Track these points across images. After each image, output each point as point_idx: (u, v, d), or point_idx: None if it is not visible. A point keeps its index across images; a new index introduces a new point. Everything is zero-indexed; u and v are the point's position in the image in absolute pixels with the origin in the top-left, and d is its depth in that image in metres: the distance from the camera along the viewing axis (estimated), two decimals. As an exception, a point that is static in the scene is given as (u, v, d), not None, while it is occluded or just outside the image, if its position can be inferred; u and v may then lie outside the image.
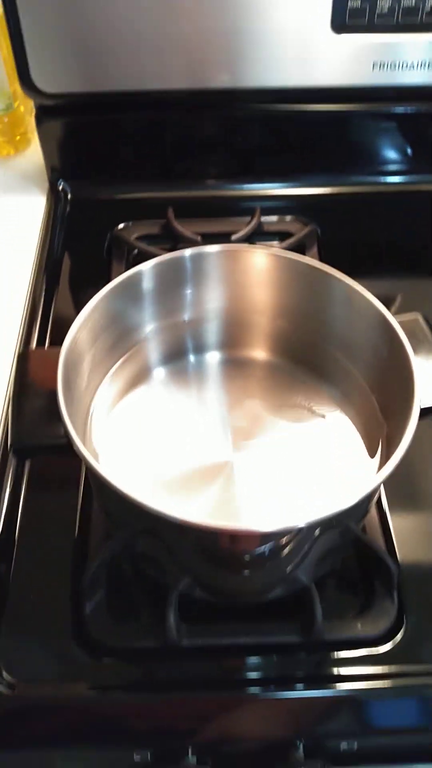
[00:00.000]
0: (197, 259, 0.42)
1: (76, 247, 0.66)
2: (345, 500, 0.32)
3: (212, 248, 0.42)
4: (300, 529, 0.32)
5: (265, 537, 0.33)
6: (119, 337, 0.43)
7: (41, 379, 0.37)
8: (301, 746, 0.41)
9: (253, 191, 0.69)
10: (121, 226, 0.66)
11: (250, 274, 0.43)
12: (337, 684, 0.40)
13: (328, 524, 0.34)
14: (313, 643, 0.41)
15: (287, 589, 0.41)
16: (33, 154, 0.75)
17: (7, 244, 0.66)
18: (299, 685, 0.40)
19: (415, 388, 0.34)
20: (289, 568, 0.39)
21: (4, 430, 0.48)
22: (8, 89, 0.72)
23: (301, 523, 0.31)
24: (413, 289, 0.61)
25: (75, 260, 0.65)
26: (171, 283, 0.43)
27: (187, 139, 0.68)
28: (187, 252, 0.42)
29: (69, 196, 0.70)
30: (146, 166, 0.70)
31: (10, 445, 0.36)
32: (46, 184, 0.71)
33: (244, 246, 0.42)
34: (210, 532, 0.32)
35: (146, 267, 0.41)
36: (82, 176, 0.70)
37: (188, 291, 0.43)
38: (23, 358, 0.38)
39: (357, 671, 0.41)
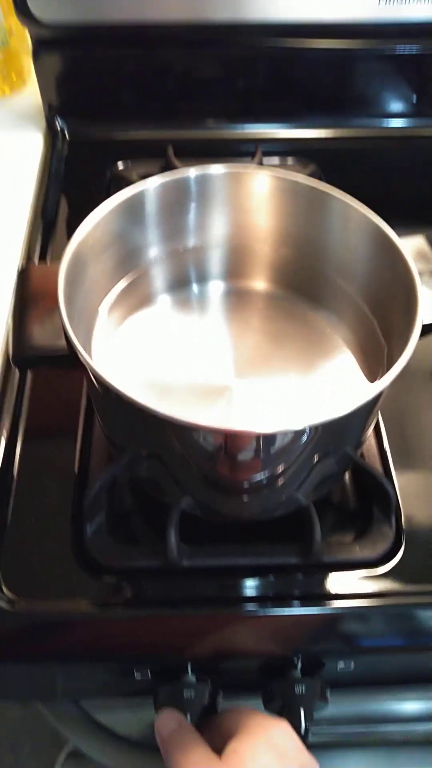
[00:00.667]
0: (201, 180, 0.41)
1: (75, 186, 0.65)
2: (345, 407, 0.32)
3: (217, 169, 0.41)
4: (299, 432, 0.32)
5: (265, 439, 0.33)
6: (122, 259, 0.42)
7: (42, 294, 0.37)
8: (299, 664, 0.42)
9: (254, 132, 0.68)
10: (120, 164, 0.65)
11: (253, 198, 0.42)
12: (334, 602, 0.41)
13: (328, 434, 0.35)
14: (312, 565, 0.42)
15: (287, 508, 0.41)
16: (29, 94, 0.74)
17: (3, 184, 0.65)
18: (296, 603, 0.41)
19: (417, 298, 0.34)
20: (287, 487, 0.39)
21: (6, 345, 0.48)
22: (3, 24, 0.71)
23: (301, 425, 0.31)
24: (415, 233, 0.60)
25: (73, 199, 0.64)
26: (175, 204, 0.42)
27: (188, 77, 0.67)
28: (192, 173, 0.41)
29: (67, 135, 0.69)
30: (146, 104, 0.69)
31: (12, 355, 0.35)
32: (44, 124, 0.70)
33: (249, 167, 0.42)
34: (212, 433, 0.32)
35: (150, 186, 0.40)
36: (81, 114, 0.69)
37: (192, 214, 0.43)
38: (24, 273, 0.38)
39: (354, 590, 0.41)
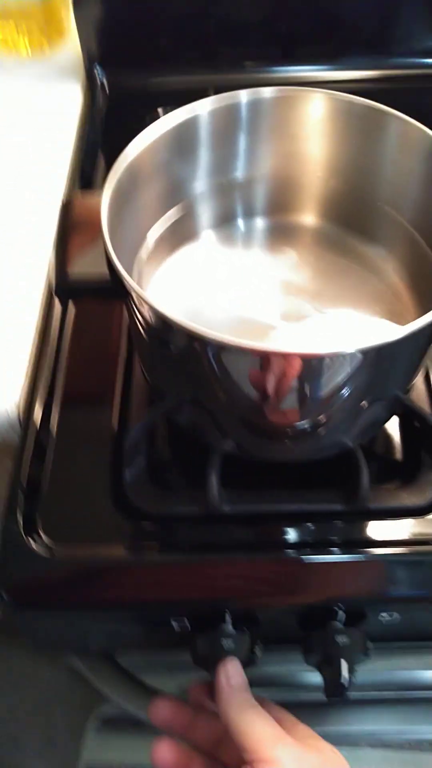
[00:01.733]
0: (253, 104, 0.40)
1: (115, 134, 0.64)
2: (397, 332, 0.30)
3: (269, 92, 0.40)
4: (350, 357, 0.31)
5: (314, 365, 0.31)
6: (167, 191, 0.41)
7: (86, 223, 0.36)
8: (341, 615, 0.41)
9: (296, 75, 0.66)
10: (160, 111, 0.63)
11: (305, 123, 0.40)
12: (380, 549, 0.39)
13: (378, 368, 0.33)
14: (357, 512, 0.40)
15: (332, 450, 0.40)
16: (69, 48, 0.73)
17: (44, 137, 0.64)
18: (340, 550, 0.39)
19: None
20: (334, 426, 0.38)
21: (49, 282, 0.47)
22: (42, -26, 0.69)
23: (352, 348, 0.29)
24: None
25: (113, 148, 0.63)
26: (224, 132, 0.40)
27: (228, 20, 0.65)
28: (244, 96, 0.39)
29: (106, 86, 0.68)
30: (185, 50, 0.67)
31: (55, 285, 0.34)
32: (83, 76, 0.69)
33: (302, 88, 0.39)
34: (259, 357, 0.31)
35: (201, 110, 0.39)
36: (120, 63, 0.67)
37: (241, 143, 0.41)
38: (67, 204, 0.37)
39: (400, 537, 0.39)
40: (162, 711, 0.40)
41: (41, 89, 0.69)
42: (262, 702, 0.38)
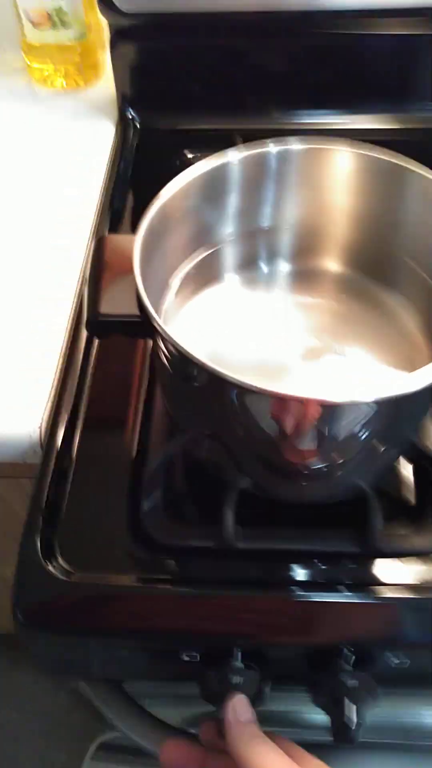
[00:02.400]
0: (281, 155, 0.41)
1: (144, 173, 0.66)
2: (415, 382, 0.31)
3: (297, 143, 0.41)
4: (367, 405, 0.32)
5: (332, 411, 0.32)
6: (194, 235, 0.42)
7: (118, 262, 0.37)
8: (350, 656, 0.41)
9: (321, 122, 0.68)
10: (187, 153, 0.66)
11: (331, 175, 0.42)
12: (390, 592, 0.40)
13: (394, 413, 0.34)
14: (369, 553, 0.41)
15: (347, 494, 0.40)
16: (103, 86, 0.76)
17: (77, 171, 0.67)
18: (350, 590, 0.40)
19: None
20: (349, 469, 0.38)
21: (76, 311, 0.49)
22: (83, 18, 0.72)
23: (370, 397, 0.30)
24: None
25: (142, 184, 0.65)
26: (253, 180, 0.42)
27: (257, 68, 0.67)
28: (273, 147, 0.41)
29: (138, 125, 0.70)
30: (214, 95, 0.69)
31: (87, 320, 0.36)
32: (116, 114, 0.72)
33: (328, 141, 0.41)
34: (279, 400, 0.32)
35: (232, 158, 0.40)
36: (152, 105, 0.70)
37: (269, 192, 0.43)
38: (100, 243, 0.38)
39: (410, 581, 0.40)
40: (174, 751, 0.40)
41: (75, 124, 0.71)
42: (271, 736, 0.38)
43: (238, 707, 0.38)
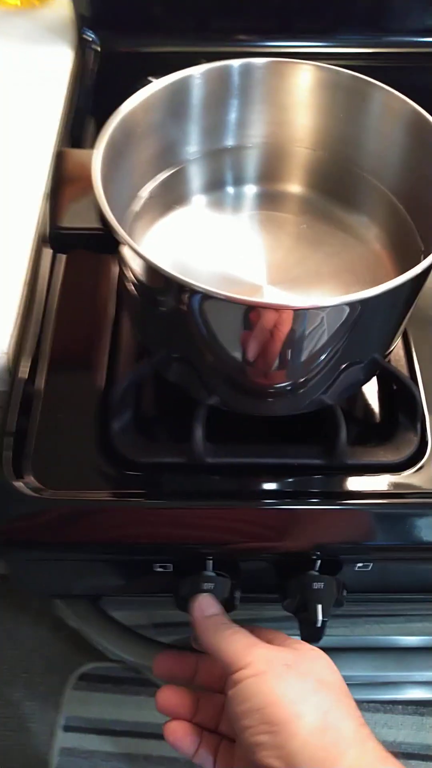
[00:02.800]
0: (244, 71, 0.41)
1: (106, 98, 0.64)
2: (377, 288, 0.32)
3: (259, 61, 0.41)
4: (332, 308, 0.32)
5: (297, 317, 0.33)
6: (159, 153, 0.42)
7: (79, 176, 0.37)
8: (318, 563, 0.43)
9: (288, 49, 0.66)
10: (152, 79, 0.64)
11: (294, 92, 0.42)
12: (355, 500, 0.41)
13: (359, 326, 0.35)
14: (335, 466, 0.42)
15: (313, 406, 0.41)
16: (60, 6, 0.72)
17: (33, 98, 0.64)
18: (317, 500, 0.41)
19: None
20: (315, 384, 0.39)
21: (39, 235, 0.48)
22: None
23: (334, 301, 0.31)
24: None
25: (103, 111, 0.63)
26: (216, 97, 0.41)
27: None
28: (236, 62, 0.40)
29: (98, 48, 0.67)
30: (179, 18, 0.66)
31: (48, 234, 0.35)
32: (74, 36, 0.69)
33: (291, 60, 0.41)
34: (244, 307, 0.32)
35: (194, 72, 0.40)
36: (112, 27, 0.67)
37: (232, 110, 0.42)
38: (60, 156, 0.38)
39: (376, 491, 0.42)
40: (165, 662, 0.42)
41: (30, 48, 0.68)
42: (251, 628, 0.40)
43: (204, 604, 0.40)
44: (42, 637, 1.08)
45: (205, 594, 0.41)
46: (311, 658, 0.37)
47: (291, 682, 0.35)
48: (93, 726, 1.02)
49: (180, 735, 0.41)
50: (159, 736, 1.02)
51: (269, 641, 0.38)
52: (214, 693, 0.42)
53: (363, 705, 1.06)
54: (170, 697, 0.42)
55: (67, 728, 1.02)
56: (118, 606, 0.54)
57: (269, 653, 0.36)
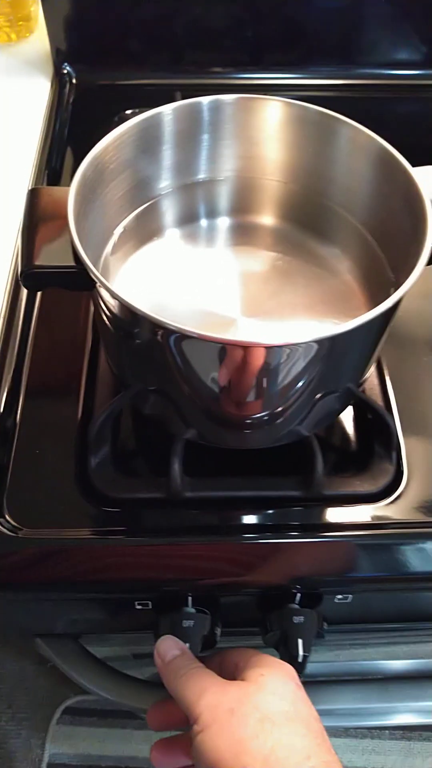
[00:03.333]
0: (214, 107, 0.41)
1: (82, 131, 0.65)
2: (350, 323, 0.32)
3: (229, 97, 0.41)
4: (304, 345, 0.32)
5: (270, 354, 0.33)
6: (132, 189, 0.42)
7: (52, 214, 0.37)
8: (298, 596, 0.43)
9: (261, 80, 0.68)
10: (128, 112, 0.65)
11: (263, 127, 0.42)
12: (333, 532, 0.41)
13: (331, 359, 0.35)
14: (313, 498, 0.42)
15: (289, 438, 0.41)
16: (36, 41, 0.73)
17: (9, 130, 0.65)
18: (296, 533, 0.41)
19: (427, 220, 0.34)
20: (290, 416, 0.39)
21: (15, 272, 0.48)
22: (12, -33, 0.70)
23: (306, 338, 0.31)
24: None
25: (80, 144, 0.64)
26: (187, 133, 0.42)
27: (197, 24, 0.66)
28: (205, 99, 0.41)
29: (74, 81, 0.68)
30: (154, 51, 0.68)
31: (20, 273, 0.35)
32: (51, 70, 0.70)
33: (259, 96, 0.41)
34: (218, 345, 0.32)
35: (164, 110, 0.40)
36: (88, 60, 0.68)
37: (203, 145, 0.43)
38: (34, 192, 0.38)
39: (353, 521, 0.42)
40: (156, 717, 0.41)
41: (6, 81, 0.69)
42: (221, 653, 0.39)
43: (163, 649, 0.39)
44: (26, 670, 1.05)
45: (164, 637, 0.40)
46: (258, 689, 0.35)
47: (233, 732, 0.33)
48: (78, 762, 1.00)
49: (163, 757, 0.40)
50: (146, 770, 1.01)
51: (234, 666, 0.37)
52: None
53: (350, 731, 1.05)
54: (157, 714, 0.41)
55: (52, 765, 0.99)
56: (98, 640, 0.54)
57: (215, 699, 0.35)
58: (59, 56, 0.68)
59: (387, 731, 1.04)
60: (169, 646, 0.39)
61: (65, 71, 0.68)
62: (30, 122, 0.65)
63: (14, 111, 0.66)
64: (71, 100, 0.67)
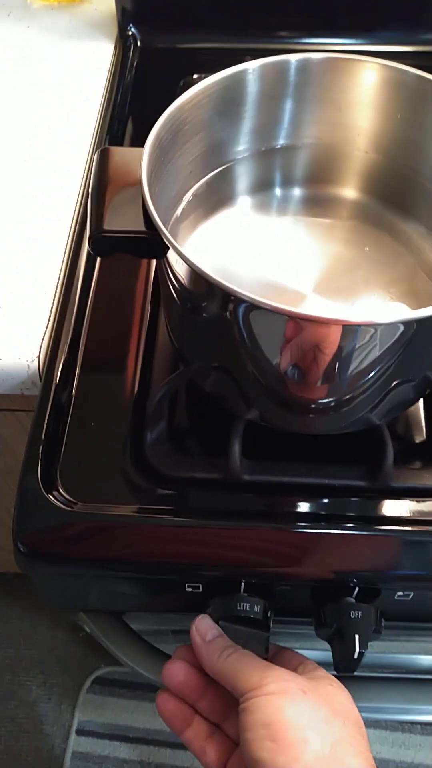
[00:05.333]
0: (302, 67, 0.39)
1: (145, 96, 0.63)
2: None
3: (318, 56, 0.38)
4: (387, 326, 0.30)
5: (349, 330, 0.30)
6: (206, 152, 0.40)
7: (123, 175, 0.35)
8: (356, 589, 0.41)
9: (332, 46, 0.64)
10: (195, 76, 0.62)
11: (353, 92, 0.39)
12: (398, 526, 0.39)
13: (412, 344, 0.32)
14: (379, 489, 0.40)
15: (358, 425, 0.39)
16: (101, 2, 0.71)
17: (74, 94, 0.63)
18: (358, 524, 0.39)
19: None
20: (361, 402, 0.37)
21: (75, 234, 0.46)
22: None
23: (391, 318, 0.29)
24: None
25: (143, 109, 0.62)
26: (270, 94, 0.39)
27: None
28: (293, 57, 0.38)
29: (139, 43, 0.66)
30: (221, 14, 0.65)
31: (90, 235, 0.33)
32: (115, 32, 0.67)
33: (352, 56, 0.38)
34: (292, 320, 0.30)
35: (249, 67, 0.38)
36: (154, 22, 0.66)
37: (286, 108, 0.40)
38: (104, 154, 0.36)
39: (419, 517, 0.39)
40: (176, 673, 0.40)
41: (70, 43, 0.67)
42: (277, 649, 0.38)
43: (201, 628, 0.38)
44: (59, 638, 1.07)
45: (202, 616, 0.39)
46: (329, 690, 0.35)
47: (303, 707, 0.33)
48: (106, 731, 1.01)
49: (170, 707, 0.39)
50: (173, 745, 1.01)
51: (283, 663, 0.36)
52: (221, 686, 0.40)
53: (381, 723, 1.04)
54: (178, 672, 0.40)
55: (81, 732, 1.00)
56: (137, 615, 0.53)
57: (285, 676, 0.35)
58: (124, 17, 0.65)
59: (419, 726, 1.02)
60: (209, 625, 0.39)
61: (130, 33, 0.66)
62: (93, 86, 0.63)
63: (77, 74, 0.65)
64: (135, 63, 0.65)
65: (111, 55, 0.66)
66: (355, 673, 0.53)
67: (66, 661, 1.06)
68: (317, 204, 0.43)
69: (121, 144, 0.59)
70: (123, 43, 0.66)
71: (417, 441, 0.43)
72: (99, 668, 1.05)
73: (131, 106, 0.63)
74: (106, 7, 0.70)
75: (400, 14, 0.64)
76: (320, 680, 0.36)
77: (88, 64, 0.65)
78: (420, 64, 0.64)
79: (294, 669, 0.36)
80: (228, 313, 0.32)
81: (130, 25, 0.66)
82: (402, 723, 1.01)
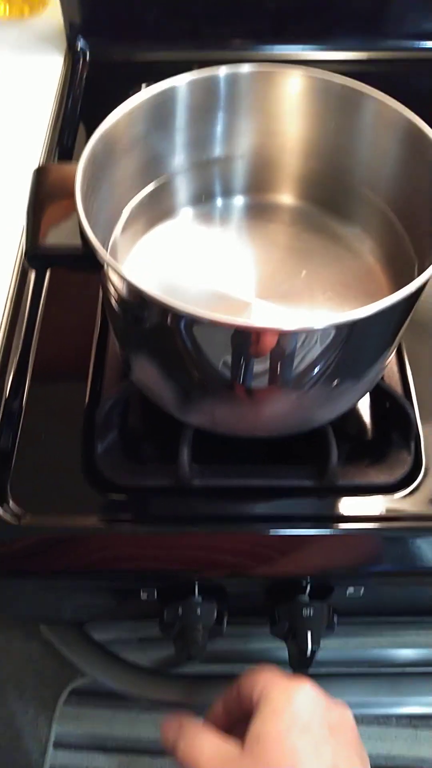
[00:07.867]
0: (231, 80, 0.39)
1: (95, 108, 0.63)
2: (371, 307, 0.30)
3: (246, 68, 0.39)
4: (321, 330, 0.31)
5: (285, 339, 0.31)
6: (144, 165, 0.40)
7: (60, 192, 0.35)
8: (308, 587, 0.41)
9: (283, 54, 0.65)
10: (143, 86, 0.62)
11: (283, 100, 0.40)
12: (346, 524, 0.40)
13: (350, 345, 0.33)
14: (326, 488, 0.41)
15: (303, 428, 0.40)
16: (50, 14, 0.71)
17: (22, 108, 0.63)
18: (308, 524, 0.40)
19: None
20: (305, 404, 0.38)
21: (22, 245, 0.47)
22: None
23: (323, 323, 0.30)
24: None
25: (93, 121, 0.62)
26: (202, 107, 0.40)
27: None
28: (222, 71, 0.39)
29: (88, 56, 0.66)
30: (171, 24, 0.66)
31: (26, 253, 0.34)
32: (64, 45, 0.68)
33: (279, 65, 0.39)
34: (231, 330, 0.31)
35: (179, 83, 0.38)
36: (103, 34, 0.66)
37: (219, 120, 0.41)
38: (41, 171, 0.36)
39: (367, 513, 0.40)
40: (173, 730, 0.40)
41: (19, 57, 0.67)
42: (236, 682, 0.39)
43: (168, 727, 0.38)
44: (33, 651, 1.06)
45: (165, 720, 0.39)
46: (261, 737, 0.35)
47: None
48: (85, 743, 1.00)
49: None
50: (153, 752, 1.01)
51: (256, 696, 0.37)
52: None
53: (357, 718, 1.05)
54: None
55: (58, 745, 1.00)
56: (103, 625, 0.53)
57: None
58: (72, 30, 0.66)
59: (394, 718, 1.03)
60: (169, 726, 0.38)
61: (79, 46, 0.66)
62: (42, 99, 0.63)
63: (26, 88, 0.65)
64: (84, 75, 0.66)
65: (61, 69, 0.66)
66: (321, 671, 0.55)
67: (42, 674, 1.05)
68: (258, 212, 0.44)
69: (71, 157, 0.59)
70: (72, 56, 0.66)
71: (363, 440, 0.44)
72: (75, 679, 1.05)
73: (82, 119, 0.63)
74: (55, 20, 0.70)
75: (351, 22, 0.66)
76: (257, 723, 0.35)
77: (38, 79, 0.66)
78: (373, 71, 0.66)
79: (249, 696, 0.37)
80: (168, 326, 0.33)
81: (79, 38, 0.66)
82: (377, 717, 1.02)
